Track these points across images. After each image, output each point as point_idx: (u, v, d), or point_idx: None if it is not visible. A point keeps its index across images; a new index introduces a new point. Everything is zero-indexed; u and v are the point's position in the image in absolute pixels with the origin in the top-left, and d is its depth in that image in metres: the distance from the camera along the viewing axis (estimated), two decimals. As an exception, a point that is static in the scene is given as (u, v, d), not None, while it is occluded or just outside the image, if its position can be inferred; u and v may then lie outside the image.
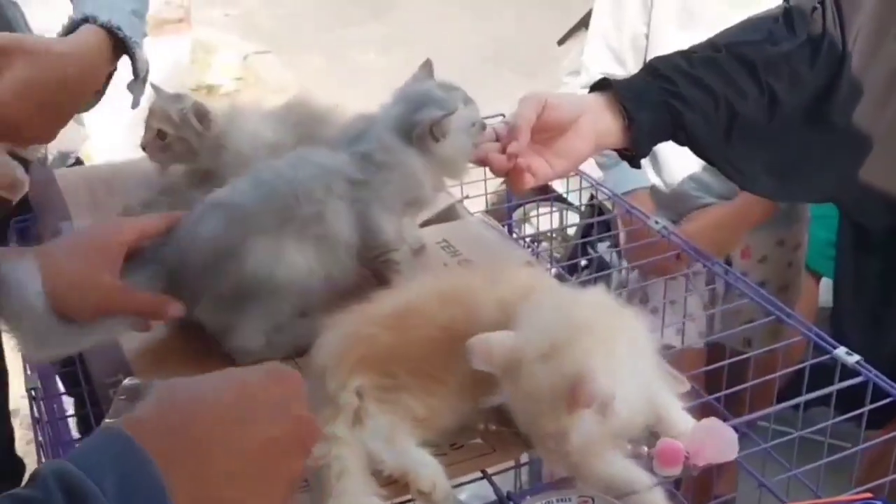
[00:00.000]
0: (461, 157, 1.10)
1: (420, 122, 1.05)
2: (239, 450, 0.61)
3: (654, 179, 1.91)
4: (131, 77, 1.29)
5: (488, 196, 1.53)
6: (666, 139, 1.18)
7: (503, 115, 1.39)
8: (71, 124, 1.21)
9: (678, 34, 1.78)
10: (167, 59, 4.38)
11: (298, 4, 6.58)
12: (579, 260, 2.18)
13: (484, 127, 1.12)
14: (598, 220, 2.25)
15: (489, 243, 1.23)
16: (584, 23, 2.82)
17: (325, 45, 5.99)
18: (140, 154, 1.30)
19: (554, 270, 1.36)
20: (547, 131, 1.10)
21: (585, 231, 2.56)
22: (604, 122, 1.12)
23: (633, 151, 1.16)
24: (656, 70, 1.17)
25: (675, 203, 1.89)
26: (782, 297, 1.93)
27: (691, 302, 1.71)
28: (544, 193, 2.01)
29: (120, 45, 1.21)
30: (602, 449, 0.82)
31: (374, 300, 0.92)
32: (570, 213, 2.78)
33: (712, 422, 0.85)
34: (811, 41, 1.23)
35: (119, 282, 0.97)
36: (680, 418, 0.87)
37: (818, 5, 1.24)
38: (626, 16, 1.87)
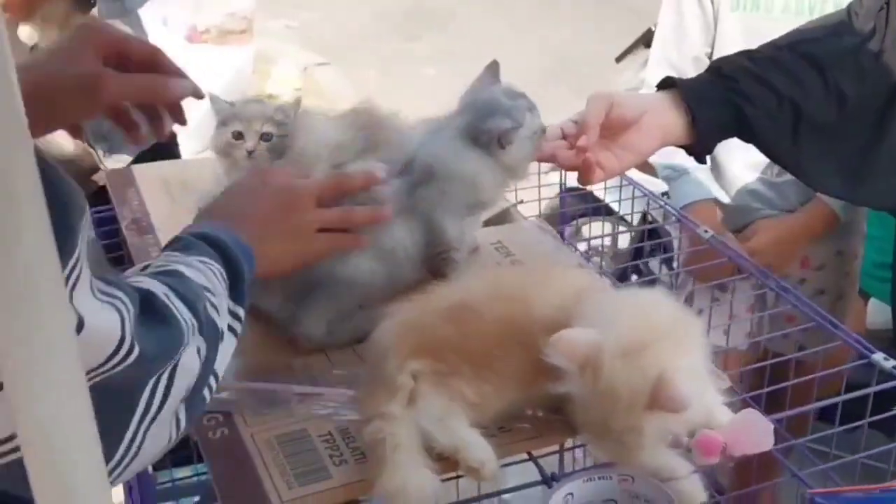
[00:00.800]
0: (524, 162, 1.15)
1: (488, 131, 1.10)
2: (255, 212, 0.98)
3: (718, 193, 1.94)
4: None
5: (541, 203, 1.58)
6: (730, 136, 1.22)
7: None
8: None
9: None
10: (229, 69, 4.50)
11: (357, 18, 6.71)
12: (629, 271, 2.21)
13: (545, 131, 1.17)
14: (650, 238, 2.28)
15: (542, 247, 1.28)
16: (642, 41, 2.86)
17: (383, 58, 6.09)
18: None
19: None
20: (613, 128, 1.15)
21: (637, 247, 2.59)
22: (668, 118, 1.17)
23: (697, 148, 1.19)
24: (719, 69, 1.21)
25: (735, 215, 1.92)
26: (838, 307, 1.95)
27: (737, 304, 1.74)
28: (597, 208, 2.06)
29: None
30: (661, 443, 0.87)
31: (432, 292, 0.97)
32: (621, 227, 2.83)
33: (749, 413, 0.89)
34: (877, 37, 1.24)
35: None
36: (720, 412, 0.91)
37: (885, 5, 1.25)
38: (688, 37, 1.90)
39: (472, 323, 0.92)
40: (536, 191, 1.52)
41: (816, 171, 1.26)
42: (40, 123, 0.96)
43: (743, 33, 1.83)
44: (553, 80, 5.65)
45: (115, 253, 1.32)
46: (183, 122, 1.10)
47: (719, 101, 1.18)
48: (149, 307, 0.71)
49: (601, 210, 2.32)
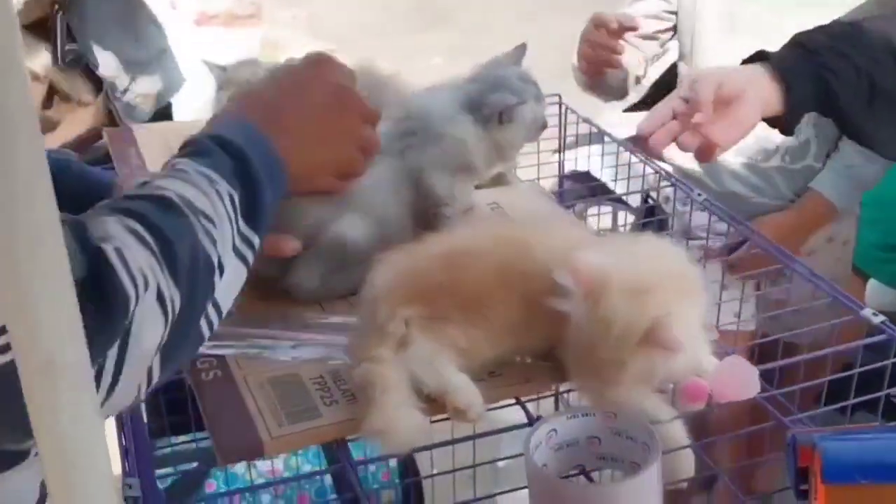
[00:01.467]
0: (515, 145, 1.18)
1: (491, 103, 1.12)
2: (302, 107, 0.89)
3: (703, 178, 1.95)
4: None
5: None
6: (814, 109, 1.26)
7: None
8: None
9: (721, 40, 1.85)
10: (236, 53, 4.52)
11: (366, 9, 6.72)
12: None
13: (545, 126, 1.18)
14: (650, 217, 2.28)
15: (540, 208, 1.29)
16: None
17: (391, 51, 6.10)
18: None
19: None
20: (722, 103, 1.18)
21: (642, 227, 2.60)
22: (767, 91, 1.20)
23: (786, 120, 1.23)
24: (802, 44, 1.25)
25: (724, 202, 1.91)
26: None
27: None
28: (594, 190, 2.06)
29: None
30: (645, 385, 0.88)
31: (427, 241, 0.98)
32: (623, 212, 2.83)
33: (735, 359, 0.90)
34: None
35: None
36: (708, 362, 0.92)
37: None
38: None
39: (467, 268, 0.93)
40: (535, 170, 1.53)
41: (886, 139, 1.30)
42: None
43: (719, 17, 1.86)
44: (565, 74, 5.66)
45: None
46: None
47: (809, 74, 1.22)
48: (95, 276, 0.63)
49: (597, 191, 2.32)
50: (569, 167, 2.17)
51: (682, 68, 1.95)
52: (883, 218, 2.16)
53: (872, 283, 2.25)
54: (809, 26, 1.28)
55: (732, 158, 1.88)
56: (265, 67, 1.30)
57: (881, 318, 1.00)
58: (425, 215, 1.15)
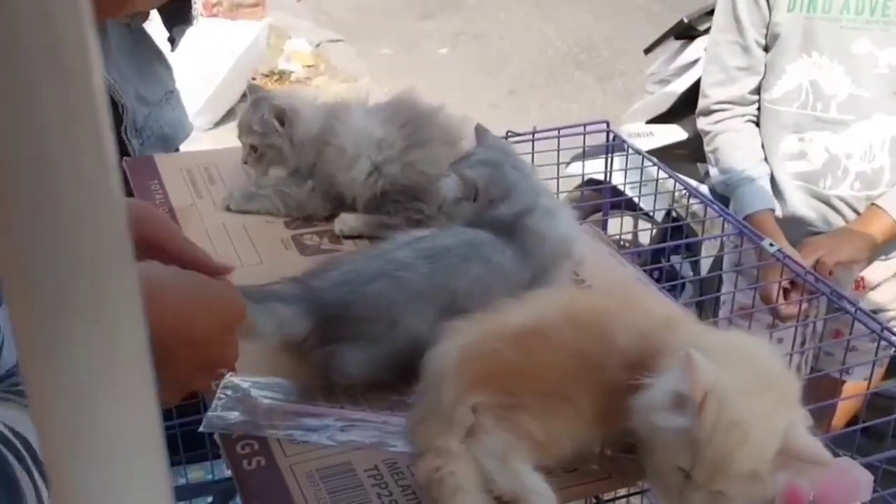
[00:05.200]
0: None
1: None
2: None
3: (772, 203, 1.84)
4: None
5: (560, 196, 1.51)
6: None
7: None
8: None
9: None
10: (242, 44, 4.40)
11: (371, -6, 6.59)
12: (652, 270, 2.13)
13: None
14: (674, 237, 2.20)
15: (598, 256, 1.20)
16: (673, 32, 2.76)
17: (397, 36, 5.98)
18: (235, 142, 1.31)
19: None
20: None
21: (661, 241, 2.52)
22: None
23: None
24: None
25: (786, 228, 1.82)
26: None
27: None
28: (618, 203, 1.98)
29: None
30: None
31: (496, 313, 0.88)
32: (643, 222, 2.75)
33: (845, 461, 0.81)
34: None
35: None
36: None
37: None
38: (744, 30, 1.83)
39: (542, 351, 0.83)
40: (555, 183, 1.45)
41: None
42: None
43: (802, 34, 1.75)
44: (574, 64, 5.56)
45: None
46: None
47: None
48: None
49: (621, 204, 2.25)
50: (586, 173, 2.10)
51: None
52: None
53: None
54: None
55: (794, 184, 1.79)
56: (271, 103, 1.23)
57: None
58: None
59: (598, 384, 0.82)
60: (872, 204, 1.74)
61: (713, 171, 1.86)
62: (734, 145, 1.84)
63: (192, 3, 1.35)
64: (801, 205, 1.80)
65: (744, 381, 0.75)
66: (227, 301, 0.83)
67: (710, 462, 0.73)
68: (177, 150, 1.54)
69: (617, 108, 4.13)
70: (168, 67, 1.54)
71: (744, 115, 1.85)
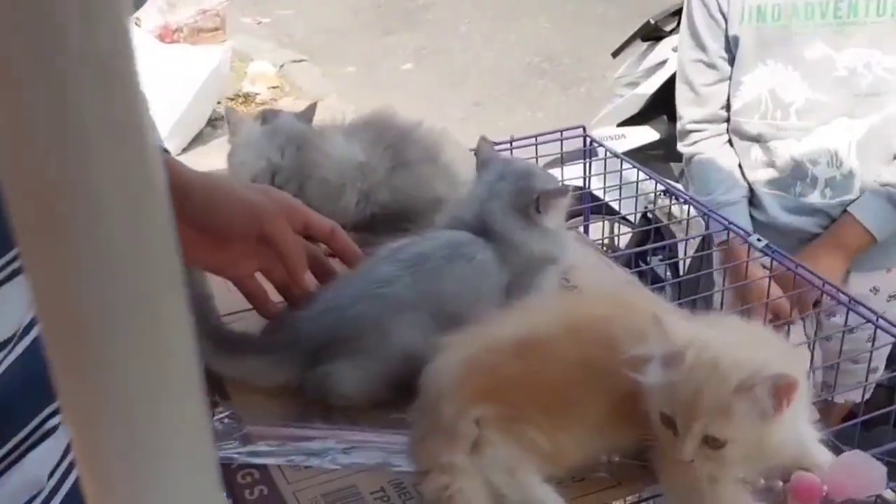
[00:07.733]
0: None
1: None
2: None
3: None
4: None
5: None
6: None
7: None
8: None
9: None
10: (204, 69, 4.36)
11: (330, 13, 6.58)
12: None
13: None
14: (653, 239, 2.20)
15: (588, 261, 1.18)
16: (639, 34, 2.78)
17: (360, 54, 5.97)
18: (206, 166, 1.28)
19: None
20: None
21: (639, 244, 2.52)
22: None
23: None
24: None
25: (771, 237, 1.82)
26: None
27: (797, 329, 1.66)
28: (597, 208, 1.98)
29: None
30: (739, 480, 0.78)
31: (493, 324, 0.87)
32: (621, 226, 2.75)
33: (857, 454, 0.80)
34: None
35: None
36: (819, 453, 0.83)
37: None
38: (706, 47, 1.85)
39: (544, 361, 0.82)
40: None
41: None
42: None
43: (756, 45, 1.76)
44: (537, 73, 5.57)
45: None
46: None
47: None
48: None
49: (602, 209, 2.25)
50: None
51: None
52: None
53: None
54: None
55: (770, 190, 1.80)
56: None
57: None
58: None
59: (605, 391, 0.81)
60: (844, 210, 1.75)
61: (692, 192, 1.86)
62: (711, 167, 1.84)
63: None
64: (779, 213, 1.80)
65: (735, 339, 0.75)
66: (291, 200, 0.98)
67: (684, 401, 0.74)
68: None
69: (582, 114, 4.14)
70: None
71: (719, 135, 1.86)
